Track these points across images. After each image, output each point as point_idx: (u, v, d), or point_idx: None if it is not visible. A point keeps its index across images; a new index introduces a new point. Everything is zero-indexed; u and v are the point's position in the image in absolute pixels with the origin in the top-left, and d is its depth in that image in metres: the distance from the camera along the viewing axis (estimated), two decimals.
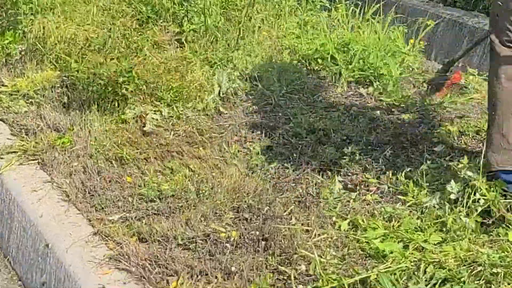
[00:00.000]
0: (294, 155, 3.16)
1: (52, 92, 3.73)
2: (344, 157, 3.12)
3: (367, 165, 3.06)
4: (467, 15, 5.44)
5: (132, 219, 2.66)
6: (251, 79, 3.91)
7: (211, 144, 3.25)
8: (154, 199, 2.80)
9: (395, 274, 2.29)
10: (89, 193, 2.85)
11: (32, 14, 4.35)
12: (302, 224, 2.59)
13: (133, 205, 2.76)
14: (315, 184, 2.94)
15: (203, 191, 2.83)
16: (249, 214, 2.68)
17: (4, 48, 4.27)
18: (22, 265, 2.73)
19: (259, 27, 4.52)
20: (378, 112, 3.61)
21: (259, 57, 4.20)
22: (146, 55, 3.78)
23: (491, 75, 2.66)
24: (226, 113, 3.59)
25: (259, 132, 3.39)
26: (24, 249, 2.73)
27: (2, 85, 3.87)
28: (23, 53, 4.15)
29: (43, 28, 4.13)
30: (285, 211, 2.71)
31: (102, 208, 2.75)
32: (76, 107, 3.55)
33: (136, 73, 3.48)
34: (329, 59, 4.26)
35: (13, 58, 4.18)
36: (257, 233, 2.55)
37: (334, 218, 2.67)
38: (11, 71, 4.05)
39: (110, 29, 3.80)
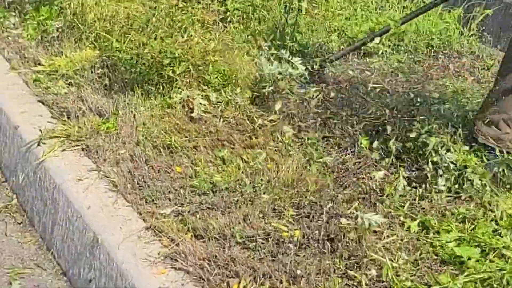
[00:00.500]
0: (353, 146, 3.02)
1: (92, 72, 3.59)
2: (407, 150, 2.97)
3: (432, 160, 2.90)
4: None
5: (185, 213, 2.53)
6: (302, 64, 3.74)
7: (264, 133, 3.10)
8: (207, 192, 2.67)
9: (475, 283, 2.14)
10: (137, 183, 2.72)
11: None
12: (370, 225, 2.45)
13: (185, 198, 2.63)
14: (378, 180, 2.79)
15: (259, 185, 2.69)
16: (311, 211, 2.55)
17: (39, 24, 4.14)
18: (68, 260, 2.62)
19: (306, 8, 4.35)
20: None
21: (307, 39, 4.05)
22: (191, 35, 3.62)
23: None
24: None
25: (313, 121, 3.23)
26: (70, 242, 2.61)
27: (39, 64, 3.74)
28: (60, 30, 4.02)
29: (82, 4, 3.99)
30: (348, 209, 2.57)
31: (153, 200, 2.63)
32: (119, 90, 3.41)
33: (183, 55, 3.34)
34: (380, 43, 4.10)
35: (49, 35, 4.05)
36: (322, 232, 2.41)
37: (402, 218, 2.53)
38: (47, 49, 3.92)
39: (155, 7, 3.64)
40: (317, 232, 2.42)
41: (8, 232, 2.84)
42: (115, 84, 3.46)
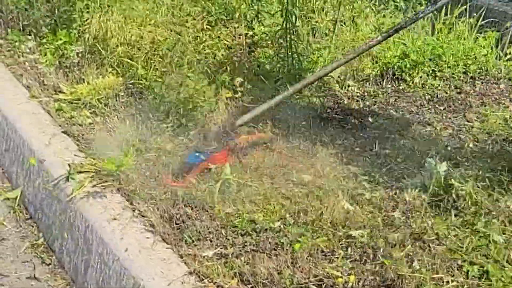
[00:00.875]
0: (399, 181, 2.97)
1: (116, 101, 3.55)
2: (453, 187, 2.91)
3: (482, 197, 2.85)
4: None
5: (229, 256, 2.48)
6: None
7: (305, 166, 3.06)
8: (250, 232, 2.62)
9: None
10: (175, 223, 2.67)
11: (88, 12, 4.18)
12: (428, 270, 2.40)
13: (227, 239, 2.58)
14: (428, 217, 2.74)
15: (305, 225, 2.64)
16: (363, 254, 2.49)
17: (57, 49, 4.11)
18: None
19: (334, 30, 4.33)
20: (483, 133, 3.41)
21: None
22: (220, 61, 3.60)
23: None
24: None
25: (355, 154, 3.19)
26: (106, 287, 2.56)
27: (60, 92, 3.70)
28: (80, 55, 3.98)
29: (103, 28, 3.97)
30: (402, 251, 2.52)
31: (193, 241, 2.58)
32: (147, 119, 3.37)
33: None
34: (415, 69, 4.10)
35: (68, 61, 4.02)
36: (377, 278, 2.36)
37: (459, 262, 2.48)
38: (67, 76, 3.89)
39: (181, 31, 3.61)
40: (372, 277, 2.37)
41: (37, 274, 2.79)
42: (143, 114, 3.42)
